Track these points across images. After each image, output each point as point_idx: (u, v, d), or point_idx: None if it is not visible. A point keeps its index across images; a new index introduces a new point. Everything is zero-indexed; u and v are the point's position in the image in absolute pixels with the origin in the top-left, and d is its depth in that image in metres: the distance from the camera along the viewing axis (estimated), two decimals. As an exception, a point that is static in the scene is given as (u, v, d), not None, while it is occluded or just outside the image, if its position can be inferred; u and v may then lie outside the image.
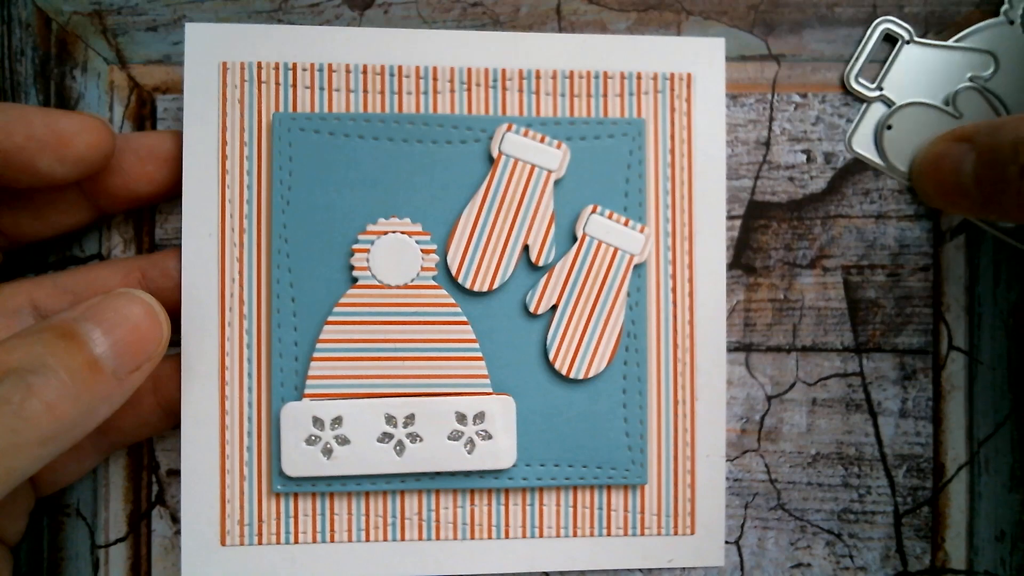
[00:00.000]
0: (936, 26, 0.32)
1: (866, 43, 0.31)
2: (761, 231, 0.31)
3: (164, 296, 0.28)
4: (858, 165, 0.32)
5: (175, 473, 0.31)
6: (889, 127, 0.31)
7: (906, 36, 0.31)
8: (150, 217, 0.31)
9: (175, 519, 0.31)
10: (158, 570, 0.31)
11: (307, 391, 0.28)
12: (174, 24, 0.31)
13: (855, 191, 0.32)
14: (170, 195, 0.29)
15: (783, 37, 0.32)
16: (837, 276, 0.32)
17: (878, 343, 0.31)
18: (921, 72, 0.31)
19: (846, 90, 0.32)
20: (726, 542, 0.31)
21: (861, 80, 0.31)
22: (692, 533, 0.30)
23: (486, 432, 0.28)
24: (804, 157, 0.32)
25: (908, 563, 0.31)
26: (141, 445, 0.31)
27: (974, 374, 0.31)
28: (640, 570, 0.31)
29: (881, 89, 0.31)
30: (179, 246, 0.30)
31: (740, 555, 0.31)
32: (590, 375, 0.29)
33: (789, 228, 0.32)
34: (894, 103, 0.31)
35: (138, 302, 0.25)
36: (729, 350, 0.31)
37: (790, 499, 0.31)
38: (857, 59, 0.31)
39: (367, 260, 0.28)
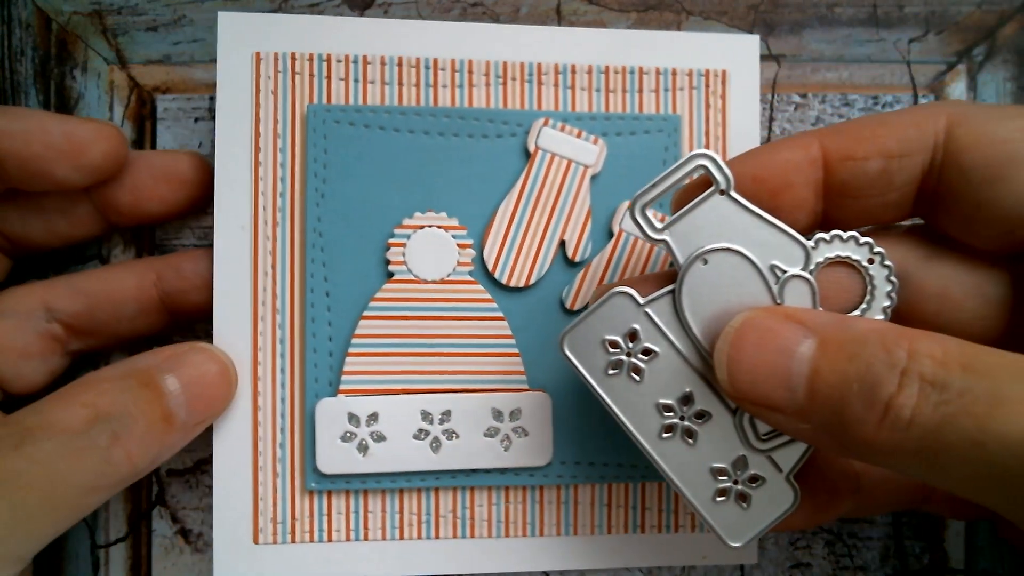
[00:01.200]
0: (937, 26, 0.32)
1: (674, 172, 0.23)
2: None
3: (180, 298, 0.28)
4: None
5: (175, 473, 0.31)
6: (705, 262, 0.23)
7: (722, 184, 0.23)
8: (149, 231, 0.31)
9: (175, 519, 0.31)
10: (158, 570, 0.31)
11: (342, 387, 0.28)
12: (174, 24, 0.31)
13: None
14: (178, 215, 0.29)
15: (783, 37, 0.32)
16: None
17: None
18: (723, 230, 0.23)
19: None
20: None
21: (648, 214, 0.24)
22: (726, 531, 0.30)
23: (522, 429, 0.28)
24: (804, 157, 0.32)
25: (907, 563, 0.31)
26: None
27: None
28: (640, 569, 0.31)
29: (668, 233, 0.24)
30: (194, 247, 0.30)
31: None
32: (626, 372, 0.29)
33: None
34: (676, 254, 0.23)
35: (215, 360, 0.27)
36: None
37: None
38: (653, 187, 0.24)
39: (403, 254, 0.28)
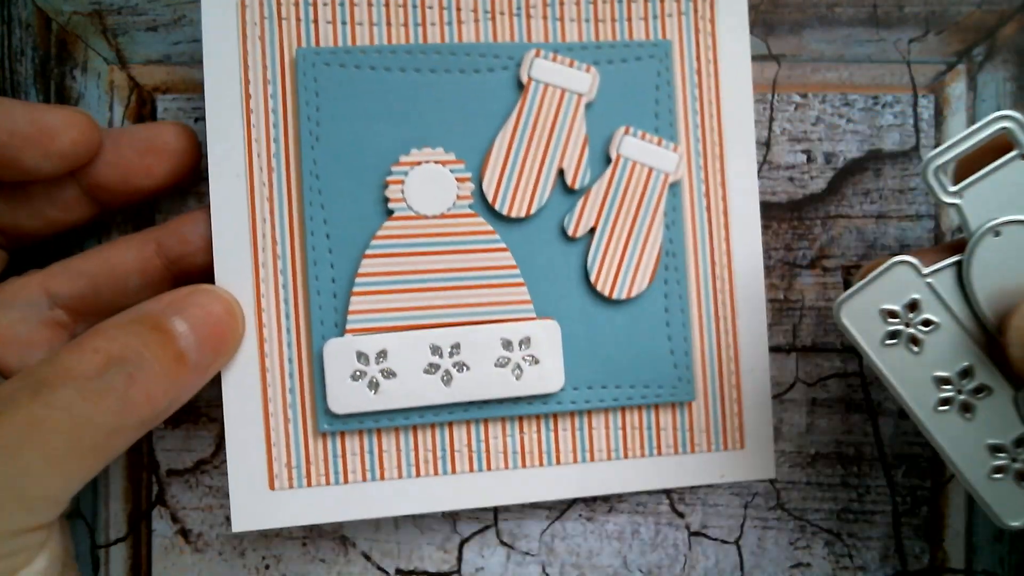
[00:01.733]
0: (937, 26, 0.32)
1: (975, 133, 0.23)
2: (761, 231, 0.31)
3: (185, 263, 0.28)
4: (858, 165, 0.32)
5: (175, 473, 0.31)
6: (997, 233, 0.23)
7: None
8: (149, 214, 0.31)
9: (175, 519, 0.31)
10: (158, 570, 0.31)
11: (349, 326, 0.28)
12: (174, 24, 0.31)
13: (855, 191, 0.32)
14: (170, 188, 0.29)
15: (783, 37, 0.32)
16: (837, 276, 0.32)
17: None
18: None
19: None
20: (724, 541, 0.31)
21: (942, 176, 0.24)
22: (742, 447, 0.30)
23: (533, 357, 0.28)
24: (804, 157, 0.32)
25: (907, 563, 0.31)
26: (141, 445, 0.31)
27: None
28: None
29: (960, 197, 0.24)
30: (192, 210, 0.30)
31: (740, 555, 0.31)
32: (632, 295, 0.29)
33: (789, 228, 0.32)
34: (968, 221, 0.24)
35: (219, 300, 0.27)
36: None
37: (790, 499, 0.31)
38: (952, 147, 0.24)
39: (402, 191, 0.28)
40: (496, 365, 0.28)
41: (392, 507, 0.28)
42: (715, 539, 0.31)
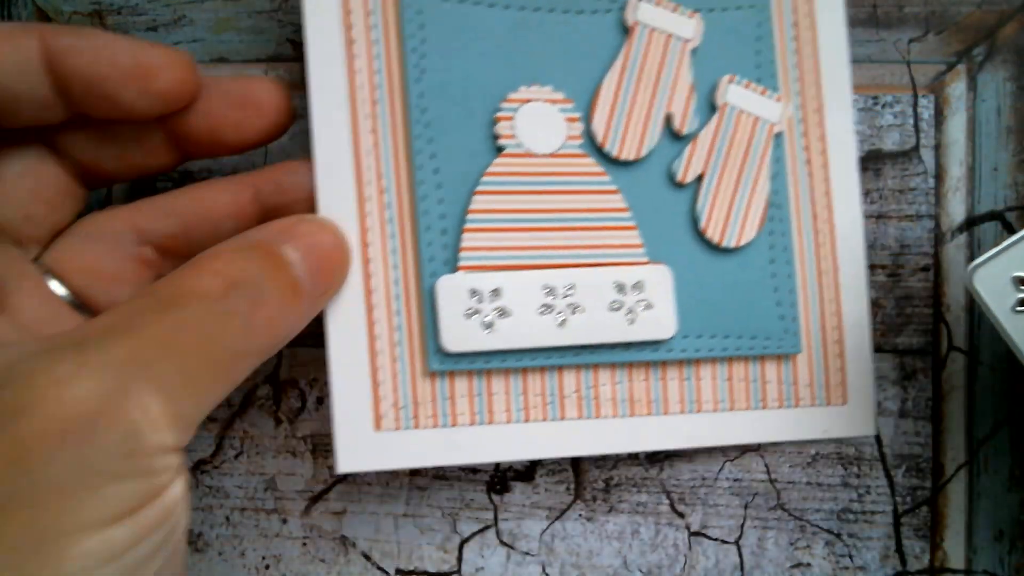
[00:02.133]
0: (937, 26, 0.33)
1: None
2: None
3: (280, 213, 0.27)
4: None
5: None
6: None
7: None
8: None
9: None
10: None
11: (461, 263, 0.27)
12: (174, 24, 0.31)
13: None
14: (255, 144, 0.28)
15: None
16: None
17: (878, 343, 0.31)
18: None
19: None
20: (724, 541, 0.31)
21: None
22: (844, 403, 0.29)
23: (646, 302, 0.27)
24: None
25: (907, 562, 0.31)
26: None
27: (974, 374, 0.32)
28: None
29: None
30: (293, 160, 0.29)
31: (740, 555, 0.31)
32: (741, 243, 0.28)
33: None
34: None
35: (328, 229, 0.26)
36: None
37: (790, 499, 0.31)
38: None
39: (512, 128, 0.27)
40: (610, 309, 0.27)
41: (501, 452, 0.27)
42: (715, 539, 0.31)
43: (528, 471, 0.31)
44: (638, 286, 0.27)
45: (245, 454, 0.31)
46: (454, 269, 0.27)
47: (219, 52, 0.31)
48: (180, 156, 0.27)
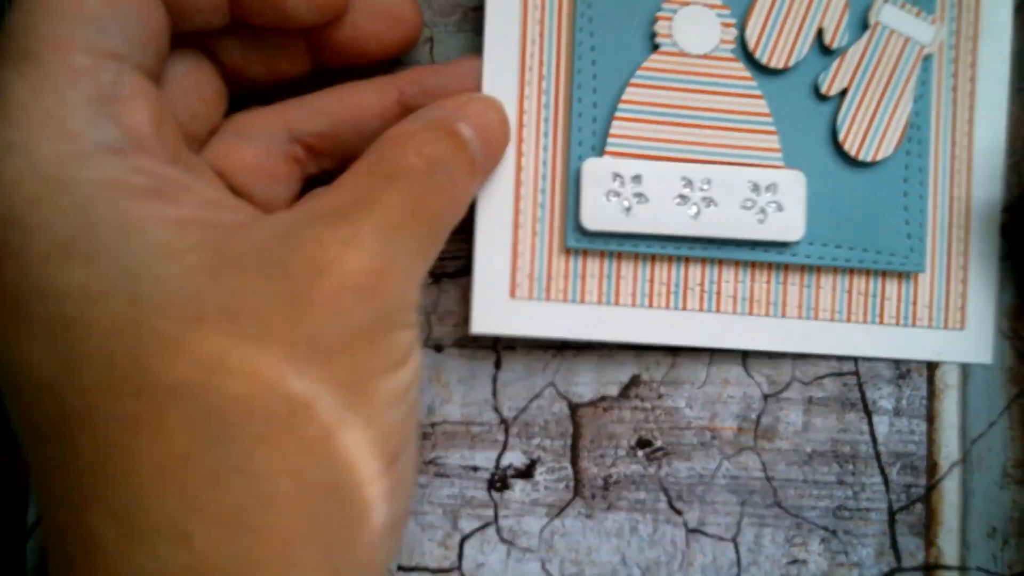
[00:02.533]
0: None
1: None
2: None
3: None
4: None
5: None
6: None
7: None
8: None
9: None
10: None
11: (608, 148, 0.28)
12: None
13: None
14: (394, 54, 0.29)
15: None
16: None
17: None
18: None
19: None
20: (721, 538, 0.31)
21: None
22: (962, 328, 0.30)
23: (778, 204, 0.29)
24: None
25: (902, 559, 0.31)
26: None
27: (967, 373, 0.31)
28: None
29: None
30: (431, 64, 0.30)
31: (737, 552, 0.31)
32: (877, 158, 0.29)
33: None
34: None
35: (495, 107, 0.28)
36: (727, 350, 0.31)
37: (786, 496, 0.31)
38: None
39: (669, 28, 0.29)
40: (742, 206, 0.28)
41: (621, 332, 0.29)
42: (712, 536, 0.31)
43: (528, 469, 0.32)
44: (772, 187, 0.28)
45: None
46: (601, 154, 0.28)
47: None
48: (317, 65, 0.29)
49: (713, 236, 0.28)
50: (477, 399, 0.31)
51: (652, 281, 0.29)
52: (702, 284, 0.29)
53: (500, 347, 0.31)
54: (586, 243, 0.29)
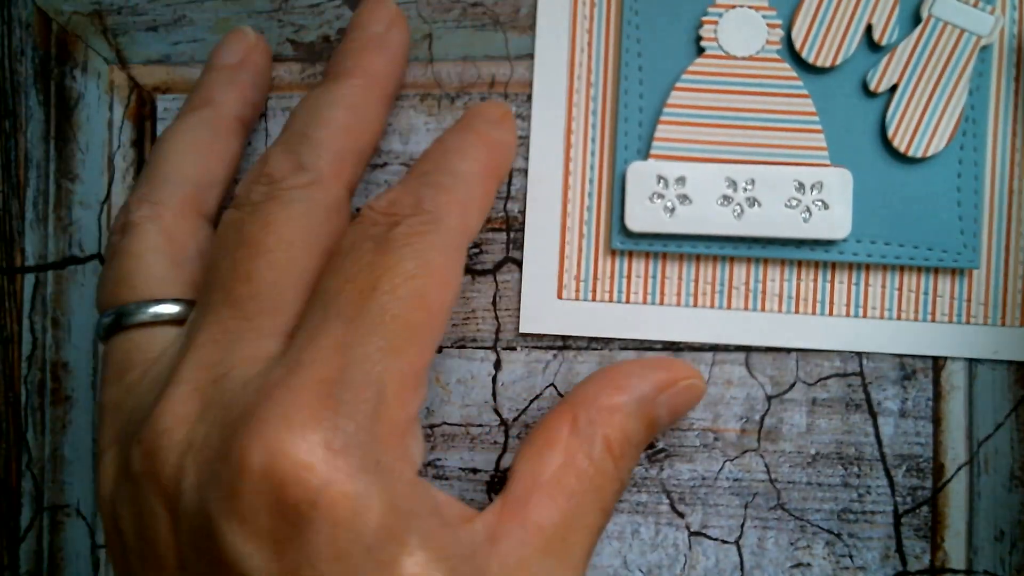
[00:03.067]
0: None
1: None
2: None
3: None
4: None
5: None
6: None
7: None
8: None
9: None
10: None
11: (653, 152, 0.29)
12: (174, 24, 0.31)
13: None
14: None
15: None
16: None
17: None
18: None
19: None
20: (724, 541, 0.31)
21: None
22: (1022, 325, 0.30)
23: (823, 202, 0.29)
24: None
25: (908, 563, 0.30)
26: None
27: (974, 374, 0.30)
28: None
29: None
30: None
31: (740, 555, 0.31)
32: (928, 154, 0.29)
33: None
34: None
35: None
36: (729, 349, 0.31)
37: (790, 499, 0.30)
38: None
39: (715, 31, 0.29)
40: (786, 206, 0.29)
41: (666, 332, 0.30)
42: (715, 539, 0.31)
43: None
44: (817, 186, 0.29)
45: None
46: (646, 157, 0.29)
47: (221, 52, 0.33)
48: None
49: (757, 235, 0.29)
50: (476, 400, 0.31)
51: (697, 281, 0.30)
52: (747, 283, 0.30)
53: (500, 347, 0.31)
54: (631, 244, 0.30)
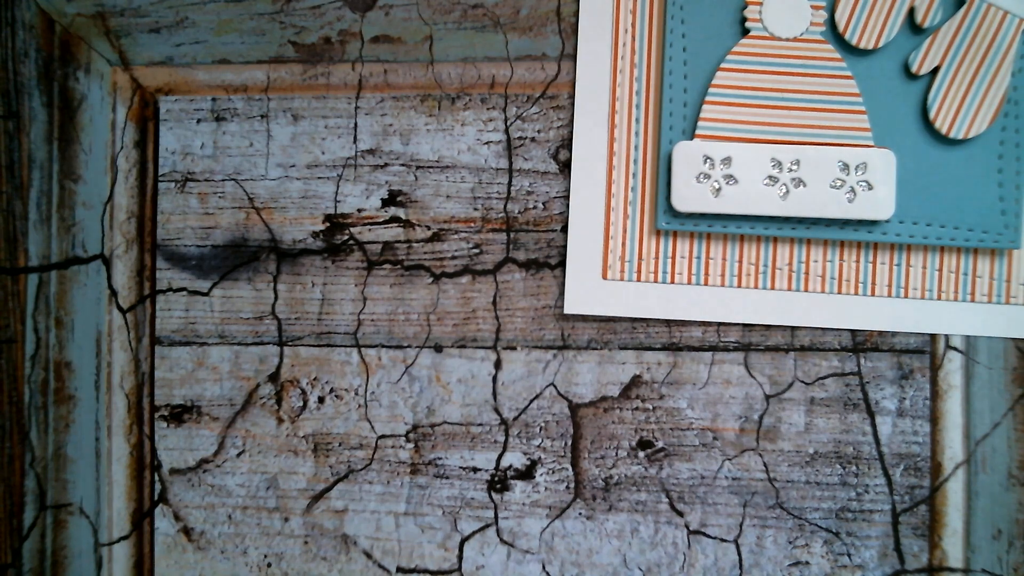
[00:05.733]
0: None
1: None
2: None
3: None
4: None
5: (177, 472, 0.31)
6: None
7: None
8: (153, 215, 0.32)
9: (177, 517, 0.31)
10: (161, 568, 0.31)
11: (698, 132, 0.29)
12: (176, 26, 0.31)
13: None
14: None
15: None
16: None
17: (875, 343, 0.30)
18: None
19: None
20: (723, 540, 0.31)
21: None
22: (1058, 304, 0.30)
23: (867, 183, 0.29)
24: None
25: (905, 561, 0.31)
26: (143, 444, 0.32)
27: (971, 373, 0.30)
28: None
29: None
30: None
31: (739, 553, 0.31)
32: (969, 135, 0.29)
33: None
34: None
35: None
36: (728, 350, 0.31)
37: (788, 498, 0.31)
38: None
39: (759, 12, 0.29)
40: (831, 186, 0.29)
41: (710, 311, 0.30)
42: (714, 538, 0.31)
43: (528, 470, 0.31)
44: (862, 167, 0.29)
45: (247, 453, 0.32)
46: (691, 137, 0.29)
47: (221, 54, 0.32)
48: None
49: (802, 216, 0.29)
50: (477, 399, 0.31)
51: (740, 261, 0.30)
52: (790, 264, 0.30)
53: (500, 347, 0.31)
54: (676, 224, 0.29)
